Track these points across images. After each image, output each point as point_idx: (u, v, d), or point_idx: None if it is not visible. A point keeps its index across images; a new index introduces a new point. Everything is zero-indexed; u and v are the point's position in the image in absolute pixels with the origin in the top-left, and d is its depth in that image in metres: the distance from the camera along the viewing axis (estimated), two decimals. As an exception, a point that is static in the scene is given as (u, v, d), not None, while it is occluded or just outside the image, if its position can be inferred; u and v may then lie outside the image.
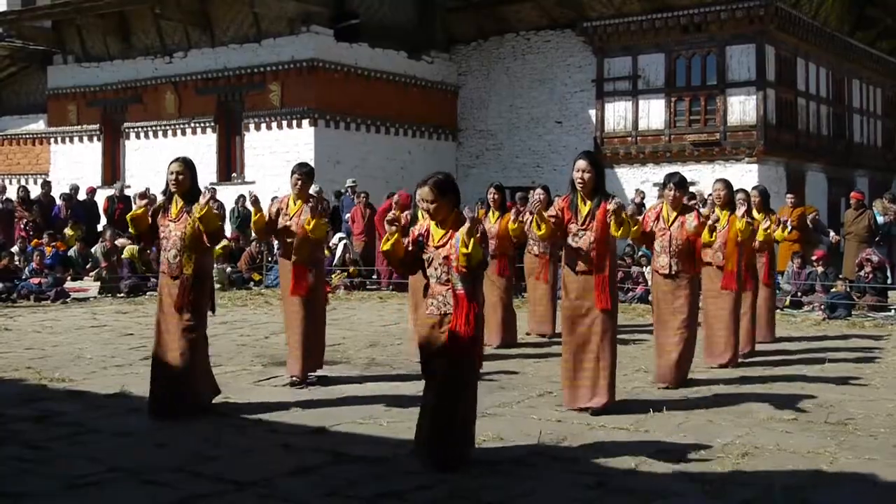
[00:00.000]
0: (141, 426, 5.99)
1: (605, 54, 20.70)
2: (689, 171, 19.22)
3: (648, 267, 7.66)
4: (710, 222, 7.51)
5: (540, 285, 10.47)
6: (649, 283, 7.60)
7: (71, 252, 16.88)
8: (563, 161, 20.36)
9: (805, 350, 9.53)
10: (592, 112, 20.94)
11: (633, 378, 7.73)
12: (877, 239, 14.59)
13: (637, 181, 20.04)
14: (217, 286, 15.81)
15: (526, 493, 4.57)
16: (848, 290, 13.02)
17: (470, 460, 5.01)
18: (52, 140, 23.49)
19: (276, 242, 12.05)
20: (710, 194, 9.51)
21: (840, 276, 13.49)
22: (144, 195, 6.58)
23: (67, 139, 23.17)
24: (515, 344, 9.71)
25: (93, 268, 16.30)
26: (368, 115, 20.41)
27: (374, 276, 16.50)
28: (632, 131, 20.45)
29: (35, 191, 20.27)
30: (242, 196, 19.30)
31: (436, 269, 5.03)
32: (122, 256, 15.78)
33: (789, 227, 14.38)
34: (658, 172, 18.98)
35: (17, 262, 15.03)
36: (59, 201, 19.20)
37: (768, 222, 9.37)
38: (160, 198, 6.60)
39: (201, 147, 20.69)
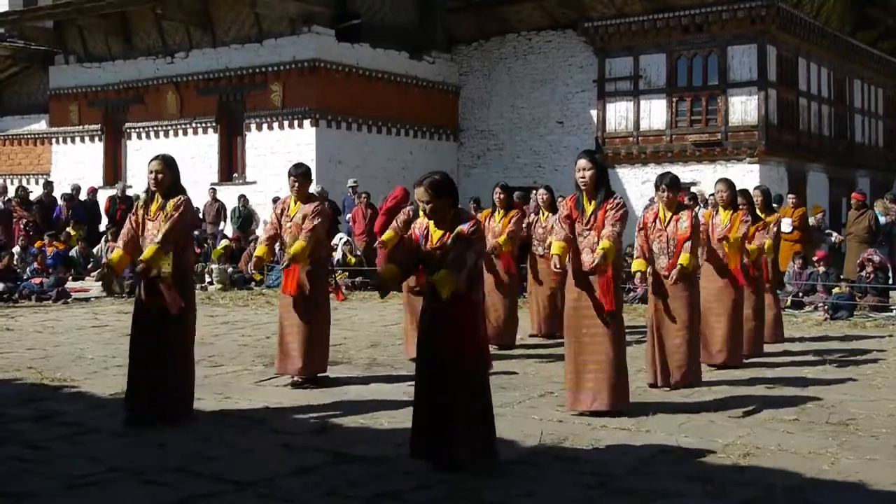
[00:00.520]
0: (141, 426, 5.97)
1: (607, 54, 20.67)
2: (691, 172, 19.27)
3: (649, 267, 7.64)
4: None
5: (544, 285, 10.45)
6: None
7: (72, 252, 16.90)
8: (564, 161, 20.35)
9: (806, 350, 9.52)
10: (594, 112, 20.92)
11: (634, 378, 7.70)
12: (878, 239, 14.58)
13: (638, 181, 20.02)
14: (218, 286, 16.00)
15: (527, 493, 4.56)
16: (850, 291, 13.00)
17: (473, 459, 4.95)
18: (53, 140, 23.47)
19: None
20: (713, 195, 9.50)
21: (841, 277, 13.48)
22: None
23: (69, 139, 23.16)
24: (517, 344, 9.70)
25: (94, 268, 16.30)
26: (370, 116, 20.40)
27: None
28: (633, 131, 20.42)
29: (37, 191, 20.27)
30: (243, 196, 19.37)
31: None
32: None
33: (790, 228, 14.42)
34: (659, 173, 18.90)
35: (14, 264, 15.01)
36: (60, 202, 19.22)
37: (773, 230, 9.42)
38: (143, 196, 6.58)
39: (203, 147, 20.69)
